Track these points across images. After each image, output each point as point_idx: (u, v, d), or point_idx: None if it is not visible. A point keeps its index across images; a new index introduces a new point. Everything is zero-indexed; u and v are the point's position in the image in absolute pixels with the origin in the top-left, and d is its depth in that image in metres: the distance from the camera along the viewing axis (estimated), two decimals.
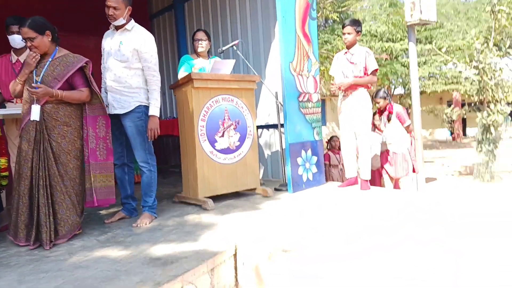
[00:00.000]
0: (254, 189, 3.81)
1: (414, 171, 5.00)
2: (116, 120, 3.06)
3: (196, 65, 3.88)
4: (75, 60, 2.71)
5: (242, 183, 3.71)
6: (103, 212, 3.48)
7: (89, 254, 2.40)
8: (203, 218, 3.09)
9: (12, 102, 3.09)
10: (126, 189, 3.22)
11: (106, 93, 3.09)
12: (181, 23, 5.81)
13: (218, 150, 3.56)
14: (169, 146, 6.15)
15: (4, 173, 3.23)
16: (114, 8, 2.88)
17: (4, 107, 3.18)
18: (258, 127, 4.57)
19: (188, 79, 3.38)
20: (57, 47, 2.72)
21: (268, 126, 4.66)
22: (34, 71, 2.65)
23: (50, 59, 2.67)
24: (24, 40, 2.62)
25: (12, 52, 3.23)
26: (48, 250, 2.50)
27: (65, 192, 2.63)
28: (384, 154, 4.86)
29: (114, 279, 1.99)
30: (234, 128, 3.64)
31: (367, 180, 3.91)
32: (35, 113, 2.59)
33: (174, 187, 4.50)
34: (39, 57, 2.65)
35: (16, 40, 3.06)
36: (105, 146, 2.90)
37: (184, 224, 2.98)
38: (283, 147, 4.10)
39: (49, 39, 2.65)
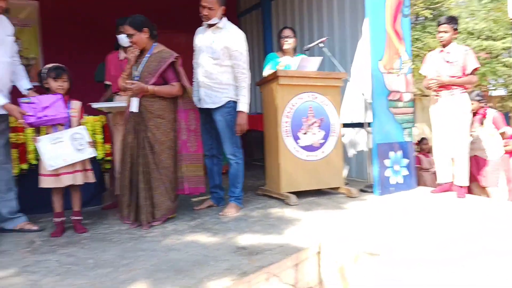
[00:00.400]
0: (337, 188, 3.73)
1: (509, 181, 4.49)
2: (207, 114, 3.20)
3: (282, 62, 3.90)
4: (166, 56, 2.86)
5: (325, 181, 3.67)
6: (193, 199, 3.68)
7: (180, 237, 2.55)
8: (286, 213, 3.11)
9: (119, 95, 3.38)
10: (215, 179, 3.37)
11: (198, 87, 3.25)
12: (268, 21, 5.90)
13: (301, 147, 3.55)
14: (254, 140, 6.28)
15: (108, 158, 3.57)
16: (209, 8, 3.01)
17: (112, 100, 3.51)
18: (343, 125, 4.46)
19: (274, 76, 3.42)
20: (154, 44, 2.92)
21: (353, 125, 4.53)
22: (134, 66, 2.88)
23: (147, 55, 2.88)
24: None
25: (120, 49, 3.54)
26: (145, 231, 2.72)
27: (160, 179, 2.83)
28: (472, 160, 4.45)
29: (204, 264, 2.09)
30: (318, 126, 3.60)
31: (463, 187, 3.62)
32: (134, 105, 2.84)
33: (258, 179, 4.59)
34: (138, 53, 2.87)
35: (123, 39, 3.35)
36: (195, 138, 3.07)
37: (268, 216, 3.03)
38: (370, 147, 3.96)
39: (147, 36, 2.84)
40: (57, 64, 2.78)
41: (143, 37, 2.84)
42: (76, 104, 2.83)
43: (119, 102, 3.32)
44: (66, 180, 2.67)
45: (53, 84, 2.71)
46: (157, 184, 2.81)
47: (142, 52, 2.91)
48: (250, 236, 2.54)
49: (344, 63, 4.60)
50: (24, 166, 3.23)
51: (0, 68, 2.70)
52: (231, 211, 3.13)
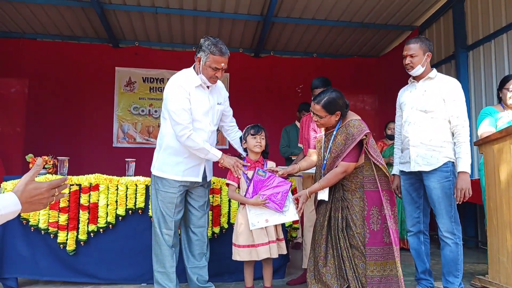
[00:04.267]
0: None
1: None
2: (416, 180, 2.67)
3: (503, 118, 3.13)
4: (355, 132, 2.30)
5: None
6: None
7: None
8: None
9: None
10: (424, 262, 2.71)
11: (402, 152, 2.77)
12: (464, 73, 5.12)
13: None
14: (460, 211, 5.29)
15: (295, 225, 3.30)
16: (411, 56, 2.62)
17: None
18: None
19: (506, 133, 2.69)
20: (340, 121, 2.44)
21: None
22: (323, 146, 2.53)
23: (334, 131, 2.43)
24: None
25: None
26: None
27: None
28: None
29: None
30: None
31: None
32: (325, 194, 2.42)
33: (469, 264, 3.67)
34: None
35: None
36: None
37: None
38: None
39: (337, 119, 2.41)
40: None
41: (333, 119, 2.40)
42: (270, 164, 2.68)
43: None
44: (262, 253, 2.45)
45: (252, 141, 2.62)
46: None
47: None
48: None
49: None
50: (216, 229, 3.19)
51: (205, 136, 2.60)
52: None
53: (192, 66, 2.60)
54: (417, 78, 2.72)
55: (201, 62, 2.49)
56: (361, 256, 2.25)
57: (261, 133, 2.63)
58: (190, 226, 2.73)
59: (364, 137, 2.27)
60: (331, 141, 2.41)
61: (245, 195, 2.51)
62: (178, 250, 2.69)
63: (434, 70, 2.71)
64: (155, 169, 2.62)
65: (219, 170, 3.33)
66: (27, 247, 2.92)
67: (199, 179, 2.64)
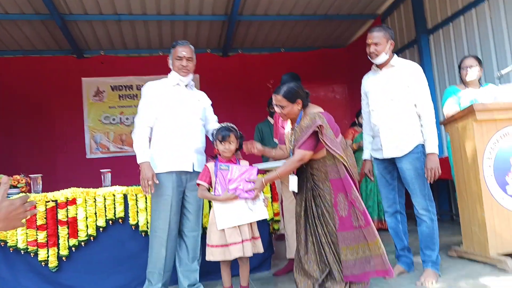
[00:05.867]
0: None
1: None
2: (388, 164, 2.77)
3: (465, 96, 3.28)
4: (309, 123, 2.35)
5: None
6: None
7: None
8: (506, 283, 2.34)
9: None
10: (402, 240, 2.82)
11: (373, 138, 2.86)
12: (427, 56, 5.31)
13: (511, 195, 2.78)
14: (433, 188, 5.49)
15: (277, 218, 3.35)
16: (376, 44, 2.70)
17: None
18: None
19: (468, 112, 2.82)
20: (301, 112, 2.46)
21: None
22: (291, 137, 2.52)
23: (296, 124, 2.46)
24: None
25: None
26: None
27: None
28: None
29: None
30: None
31: None
32: (293, 184, 2.48)
33: (445, 236, 3.82)
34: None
35: None
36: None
37: None
38: None
39: (299, 108, 2.44)
40: (225, 125, 2.61)
41: (295, 108, 2.43)
42: (244, 163, 2.64)
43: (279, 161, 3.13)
44: (235, 252, 2.43)
45: (220, 147, 2.55)
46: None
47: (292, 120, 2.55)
48: None
49: None
50: None
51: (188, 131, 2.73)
52: (429, 280, 2.53)
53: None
54: (380, 66, 2.79)
55: (169, 61, 2.77)
56: (337, 242, 2.32)
57: (228, 139, 2.52)
58: (184, 230, 2.74)
59: (317, 129, 2.28)
60: (294, 134, 2.46)
61: (214, 194, 2.48)
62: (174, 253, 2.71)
63: (395, 56, 2.79)
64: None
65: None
66: (8, 268, 2.84)
67: (189, 169, 2.66)
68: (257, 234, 2.56)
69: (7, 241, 2.86)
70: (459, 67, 3.37)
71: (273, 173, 2.44)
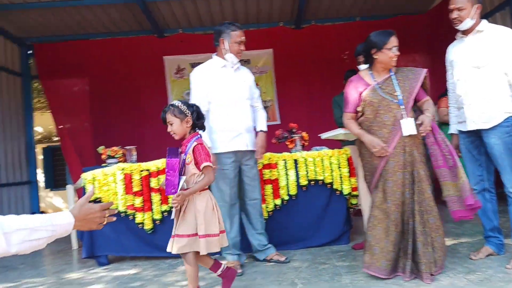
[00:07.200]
0: None
1: None
2: (475, 138, 2.63)
3: None
4: (417, 72, 2.59)
5: None
6: (463, 244, 3.07)
7: None
8: None
9: None
10: (492, 219, 2.69)
11: (458, 110, 2.72)
12: None
13: None
14: None
15: (354, 193, 3.36)
16: (459, 9, 2.52)
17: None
18: None
19: None
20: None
21: None
22: (383, 91, 2.51)
23: (391, 74, 2.54)
24: None
25: None
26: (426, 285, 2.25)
27: (439, 218, 2.39)
28: None
29: None
30: None
31: None
32: (409, 127, 2.40)
33: None
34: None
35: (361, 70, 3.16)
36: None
37: None
38: None
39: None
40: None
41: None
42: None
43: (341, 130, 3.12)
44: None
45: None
46: (438, 225, 2.38)
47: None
48: None
49: None
50: (278, 201, 3.36)
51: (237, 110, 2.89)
52: None
53: (214, 54, 2.97)
54: (466, 33, 2.61)
55: (225, 43, 2.86)
56: (430, 210, 2.36)
57: (169, 120, 2.23)
58: (246, 199, 2.98)
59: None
60: (395, 84, 2.51)
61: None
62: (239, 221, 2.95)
63: (484, 21, 2.58)
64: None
65: (272, 145, 3.46)
66: (112, 229, 3.25)
67: (246, 148, 2.88)
68: (182, 232, 2.16)
69: None
70: None
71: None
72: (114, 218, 1.40)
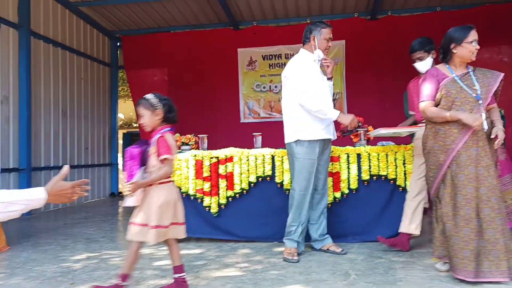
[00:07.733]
0: None
1: None
2: None
3: None
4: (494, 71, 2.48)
5: None
6: None
7: None
8: None
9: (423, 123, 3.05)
10: None
11: None
12: None
13: None
14: None
15: None
16: None
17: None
18: None
19: None
20: None
21: None
22: (463, 83, 2.45)
23: (469, 71, 2.47)
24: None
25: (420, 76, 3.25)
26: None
27: (505, 220, 2.31)
28: None
29: None
30: None
31: None
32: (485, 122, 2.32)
33: None
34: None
35: (419, 66, 3.05)
36: None
37: None
38: None
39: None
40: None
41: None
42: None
43: (400, 129, 3.15)
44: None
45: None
46: (504, 227, 2.29)
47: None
48: None
49: None
50: (337, 194, 3.41)
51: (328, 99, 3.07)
52: None
53: (303, 49, 3.08)
54: None
55: (315, 40, 3.00)
56: (498, 209, 2.29)
57: (140, 112, 2.25)
58: (317, 188, 3.07)
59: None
60: (473, 79, 2.46)
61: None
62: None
63: None
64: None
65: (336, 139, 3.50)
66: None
67: (332, 137, 3.05)
68: (140, 221, 2.19)
69: (181, 187, 3.55)
70: None
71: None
72: (86, 194, 1.55)
